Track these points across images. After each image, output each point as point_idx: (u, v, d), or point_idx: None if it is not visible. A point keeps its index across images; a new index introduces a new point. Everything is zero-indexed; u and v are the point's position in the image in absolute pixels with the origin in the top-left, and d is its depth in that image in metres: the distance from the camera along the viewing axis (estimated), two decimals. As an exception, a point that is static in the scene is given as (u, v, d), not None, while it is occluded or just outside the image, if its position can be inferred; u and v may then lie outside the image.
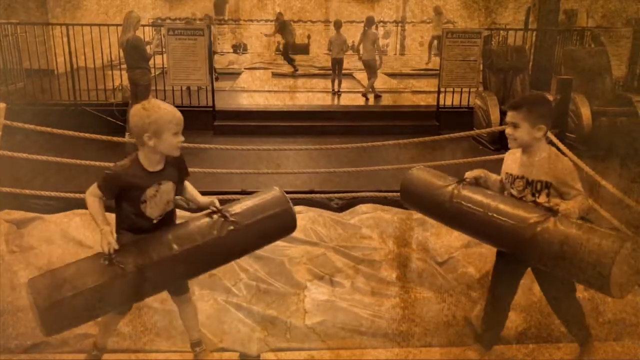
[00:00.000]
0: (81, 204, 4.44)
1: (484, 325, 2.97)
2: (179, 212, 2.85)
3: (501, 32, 11.43)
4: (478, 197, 2.68)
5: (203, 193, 2.77)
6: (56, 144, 5.79)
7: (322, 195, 5.11)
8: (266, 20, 19.30)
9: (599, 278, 2.24)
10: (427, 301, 3.45)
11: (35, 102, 8.47)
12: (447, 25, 14.29)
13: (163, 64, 8.84)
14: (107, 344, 2.82)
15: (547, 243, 2.37)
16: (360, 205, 4.89)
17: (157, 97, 8.16)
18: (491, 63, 8.55)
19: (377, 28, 11.35)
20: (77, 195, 4.57)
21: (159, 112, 2.42)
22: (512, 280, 2.81)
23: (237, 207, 2.66)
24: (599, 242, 2.26)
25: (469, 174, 2.82)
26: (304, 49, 19.24)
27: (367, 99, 10.18)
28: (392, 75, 13.77)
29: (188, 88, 9.14)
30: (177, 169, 2.60)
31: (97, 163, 4.47)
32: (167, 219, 2.60)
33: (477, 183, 2.81)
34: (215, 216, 2.57)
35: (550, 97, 7.28)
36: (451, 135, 5.60)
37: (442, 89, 8.85)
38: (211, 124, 8.53)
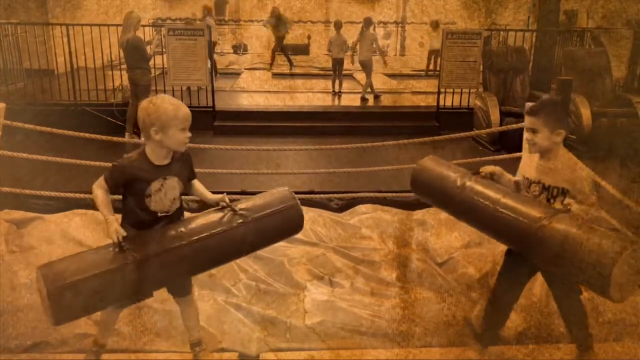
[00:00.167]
0: (81, 204, 4.47)
1: (484, 324, 2.98)
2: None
3: (501, 32, 11.42)
4: (489, 192, 2.68)
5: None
6: (56, 144, 5.79)
7: (322, 196, 5.11)
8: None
9: (599, 279, 2.24)
10: (426, 301, 3.45)
11: (35, 102, 8.47)
12: (448, 27, 14.31)
13: (163, 64, 8.84)
14: (107, 341, 2.82)
15: (550, 241, 2.37)
16: (360, 205, 4.89)
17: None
18: (491, 64, 8.55)
19: (375, 29, 11.33)
20: (77, 195, 4.58)
21: (167, 107, 2.45)
22: (518, 281, 2.82)
23: (245, 203, 2.72)
24: (601, 243, 2.26)
25: (484, 169, 2.83)
26: (304, 50, 19.24)
27: (366, 100, 10.18)
28: (392, 75, 13.78)
29: (188, 88, 9.15)
30: (184, 166, 2.62)
31: (97, 163, 4.47)
32: (173, 218, 2.60)
33: (491, 179, 2.81)
34: (225, 211, 2.62)
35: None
36: (451, 135, 5.60)
37: (442, 90, 8.86)
38: (211, 124, 8.53)
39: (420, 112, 9.50)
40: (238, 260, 3.67)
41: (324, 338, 3.12)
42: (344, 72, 10.93)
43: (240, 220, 2.60)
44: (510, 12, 13.96)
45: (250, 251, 2.92)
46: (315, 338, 3.12)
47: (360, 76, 11.34)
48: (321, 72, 14.05)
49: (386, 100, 10.54)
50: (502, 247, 3.57)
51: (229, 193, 4.89)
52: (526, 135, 2.69)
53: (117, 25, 8.07)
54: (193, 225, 2.56)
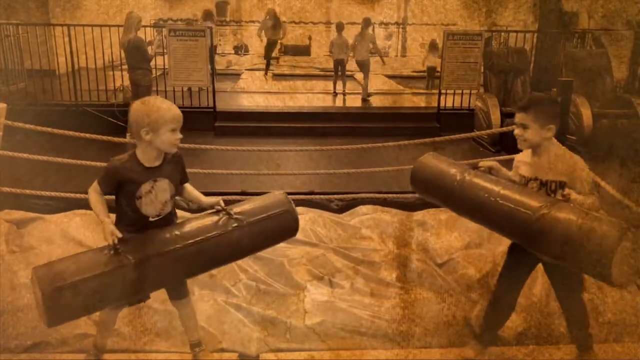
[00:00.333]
0: (81, 204, 4.46)
1: (484, 324, 2.98)
2: (179, 212, 2.85)
3: (502, 33, 11.41)
4: (488, 184, 2.69)
5: (203, 194, 2.78)
6: (57, 144, 5.79)
7: (322, 197, 5.11)
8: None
9: (600, 264, 2.25)
10: (426, 302, 3.45)
11: (36, 103, 8.48)
12: (449, 28, 14.32)
13: (164, 65, 8.85)
14: (106, 343, 2.83)
15: (551, 231, 2.38)
16: (361, 206, 4.89)
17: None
18: (492, 65, 8.55)
19: (374, 29, 11.31)
20: (77, 195, 4.57)
21: (157, 108, 2.46)
22: (518, 281, 2.83)
23: (241, 207, 2.72)
24: (601, 228, 2.28)
25: (483, 164, 2.84)
26: (305, 51, 19.25)
27: (367, 101, 10.18)
28: (393, 76, 13.79)
29: (189, 89, 9.16)
30: (176, 169, 2.61)
31: (98, 163, 4.47)
32: (165, 221, 2.60)
33: (489, 173, 2.82)
34: (219, 214, 2.62)
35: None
36: (452, 136, 5.60)
37: (443, 91, 8.86)
38: (212, 125, 8.53)
39: (420, 113, 9.51)
40: (238, 261, 3.68)
41: (324, 338, 3.12)
42: (347, 72, 10.92)
43: (236, 224, 2.60)
44: (511, 12, 13.95)
45: (246, 255, 2.93)
46: (315, 338, 3.12)
47: (360, 77, 11.31)
48: (322, 73, 14.06)
49: (387, 101, 10.54)
50: (502, 248, 3.59)
51: (229, 194, 4.92)
52: (516, 131, 2.70)
53: (119, 25, 8.07)
54: (188, 228, 2.57)
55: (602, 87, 8.26)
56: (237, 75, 13.43)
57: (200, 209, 2.75)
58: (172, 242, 2.48)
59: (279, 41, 13.79)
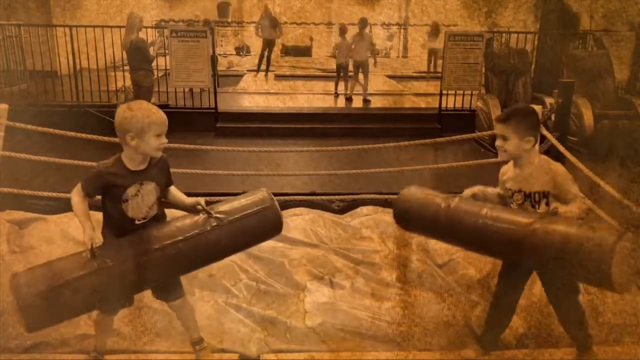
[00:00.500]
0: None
1: (485, 327, 2.98)
2: (177, 212, 2.85)
3: (503, 34, 11.41)
4: (474, 208, 2.70)
5: (204, 195, 2.78)
6: (58, 145, 5.79)
7: (323, 197, 5.12)
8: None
9: (599, 272, 2.24)
10: (427, 302, 3.45)
11: (38, 103, 8.49)
12: (450, 29, 14.30)
13: (166, 66, 8.87)
14: (106, 345, 2.83)
15: (546, 244, 2.38)
16: (362, 207, 4.89)
17: (159, 99, 8.21)
18: (493, 66, 8.55)
19: (371, 29, 11.27)
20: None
21: (143, 113, 2.45)
22: (518, 282, 2.83)
23: (221, 206, 2.70)
24: (599, 236, 2.28)
25: (466, 192, 2.84)
26: (306, 51, 19.26)
27: (368, 102, 10.17)
28: (394, 77, 13.79)
29: (190, 90, 9.17)
30: (161, 172, 2.62)
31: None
32: (151, 224, 2.60)
33: (475, 199, 2.83)
34: (200, 214, 2.61)
35: (553, 101, 7.30)
36: (452, 137, 5.60)
37: (444, 92, 8.85)
38: (213, 126, 8.54)
39: (422, 114, 9.51)
40: (238, 261, 3.69)
41: (324, 339, 3.12)
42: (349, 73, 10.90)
43: (215, 224, 2.58)
44: (511, 12, 13.94)
45: (229, 254, 2.88)
46: (316, 339, 3.12)
47: (360, 77, 11.27)
48: (323, 73, 14.06)
49: (388, 102, 10.54)
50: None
51: (230, 195, 4.92)
52: (497, 142, 2.71)
53: (120, 26, 8.09)
54: (166, 229, 2.56)
55: (603, 88, 8.25)
56: (238, 76, 13.43)
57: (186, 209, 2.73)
58: (149, 243, 2.47)
59: (276, 41, 13.65)
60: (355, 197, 5.15)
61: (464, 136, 5.78)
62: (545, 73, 9.61)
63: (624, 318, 3.19)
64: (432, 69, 13.22)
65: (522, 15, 13.20)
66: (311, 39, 20.12)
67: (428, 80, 13.06)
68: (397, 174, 5.51)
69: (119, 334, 3.01)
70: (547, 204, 2.63)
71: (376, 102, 10.36)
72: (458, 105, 8.93)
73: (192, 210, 2.66)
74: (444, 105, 8.93)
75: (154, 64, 7.84)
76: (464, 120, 8.51)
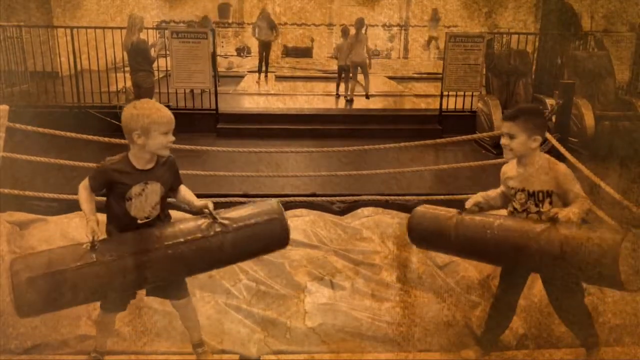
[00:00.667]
0: (83, 206, 4.47)
1: (485, 327, 2.98)
2: (179, 214, 2.86)
3: (504, 35, 11.40)
4: (480, 221, 2.71)
5: (204, 196, 2.78)
6: (59, 146, 5.80)
7: (324, 199, 5.12)
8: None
9: (608, 272, 2.26)
10: (427, 303, 3.45)
11: (39, 104, 8.49)
12: (451, 30, 14.32)
13: (167, 67, 8.88)
14: (106, 345, 2.83)
15: (552, 249, 2.40)
16: (362, 208, 4.89)
17: (160, 100, 8.21)
18: (494, 67, 8.55)
19: (367, 30, 11.24)
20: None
21: (149, 111, 2.47)
22: (518, 282, 2.83)
23: (229, 212, 2.67)
24: (603, 237, 2.30)
25: (468, 204, 2.84)
26: (307, 52, 19.25)
27: (368, 97, 10.15)
28: (395, 78, 13.78)
29: (191, 91, 9.17)
30: (168, 172, 2.62)
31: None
32: (154, 224, 2.60)
33: (480, 209, 2.83)
34: (206, 218, 2.59)
35: (553, 102, 7.29)
36: (453, 138, 5.60)
37: (445, 93, 8.85)
38: (214, 127, 8.54)
39: (422, 115, 9.49)
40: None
41: (324, 339, 3.12)
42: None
43: (219, 229, 2.55)
44: (511, 13, 13.95)
45: (231, 262, 2.85)
46: (316, 339, 3.12)
47: (360, 77, 11.27)
48: (324, 75, 14.06)
49: (389, 103, 10.54)
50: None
51: (230, 195, 4.92)
52: (503, 140, 2.72)
53: (122, 27, 8.09)
54: (169, 230, 2.55)
55: (603, 89, 8.25)
56: (239, 77, 13.42)
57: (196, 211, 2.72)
58: (151, 242, 2.47)
59: (272, 42, 13.53)
60: (355, 198, 5.16)
61: (465, 137, 5.78)
62: (546, 74, 9.61)
63: (624, 318, 3.19)
64: (431, 57, 13.17)
65: (523, 15, 13.21)
66: (312, 40, 20.11)
67: (429, 81, 13.05)
68: (398, 175, 5.51)
69: (118, 334, 3.01)
70: (551, 203, 2.64)
71: (377, 103, 10.35)
72: (459, 106, 8.92)
73: (200, 212, 2.65)
74: (444, 106, 8.92)
75: (154, 65, 7.84)
76: (465, 121, 8.50)
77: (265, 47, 12.89)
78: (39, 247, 3.87)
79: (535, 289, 3.31)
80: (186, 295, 2.75)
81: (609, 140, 7.03)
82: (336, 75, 10.88)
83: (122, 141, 5.21)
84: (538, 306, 3.24)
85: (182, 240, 2.50)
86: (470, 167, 5.71)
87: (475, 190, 2.93)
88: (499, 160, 5.33)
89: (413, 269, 3.83)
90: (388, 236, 4.32)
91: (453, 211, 2.89)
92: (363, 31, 10.37)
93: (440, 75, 9.00)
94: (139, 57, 7.49)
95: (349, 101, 10.30)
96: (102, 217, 2.55)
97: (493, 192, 2.88)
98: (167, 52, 8.49)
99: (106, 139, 4.87)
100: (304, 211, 4.74)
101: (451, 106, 8.91)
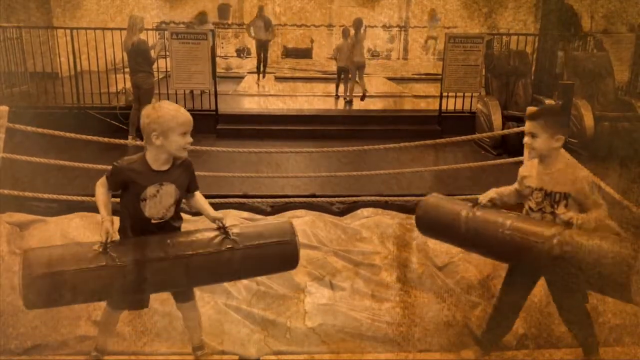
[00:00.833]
0: (83, 206, 4.48)
1: (486, 327, 2.98)
2: (186, 216, 2.85)
3: (503, 36, 11.41)
4: (492, 218, 2.70)
5: (205, 196, 2.78)
6: (59, 147, 5.81)
7: (323, 199, 5.12)
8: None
9: (618, 285, 2.26)
10: (427, 304, 3.45)
11: (38, 105, 8.50)
12: (451, 31, 14.33)
13: (166, 68, 8.88)
14: (107, 345, 2.83)
15: (560, 257, 2.40)
16: (362, 209, 4.90)
17: (160, 101, 8.21)
18: (493, 67, 8.55)
19: (365, 30, 11.20)
20: (78, 197, 4.59)
21: (168, 112, 2.49)
22: (524, 287, 2.82)
23: (242, 229, 2.69)
24: (614, 249, 2.29)
25: (482, 198, 2.83)
26: (307, 53, 19.25)
27: (363, 99, 10.18)
28: (394, 79, 13.79)
29: (191, 92, 9.17)
30: (184, 175, 2.62)
31: (99, 166, 4.48)
32: (168, 226, 2.61)
33: (493, 205, 2.82)
34: (218, 232, 2.60)
35: (553, 102, 7.29)
36: (453, 139, 5.60)
37: (444, 94, 8.85)
38: (214, 128, 8.55)
39: (422, 116, 9.49)
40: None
41: (324, 339, 3.12)
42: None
43: (230, 245, 2.56)
44: (511, 13, 13.95)
45: (237, 278, 2.87)
46: (316, 339, 3.12)
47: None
48: (324, 75, 14.06)
49: (388, 104, 10.54)
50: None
51: (230, 196, 4.92)
52: (525, 139, 2.71)
53: (122, 28, 8.09)
54: (181, 240, 2.56)
55: (603, 90, 8.25)
56: (239, 78, 13.43)
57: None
58: (162, 251, 2.48)
59: (269, 42, 13.44)
60: (355, 199, 5.16)
61: (464, 137, 5.77)
62: (546, 75, 9.61)
63: (624, 318, 3.19)
64: (429, 54, 13.16)
65: (523, 15, 13.22)
66: (311, 41, 20.12)
67: (428, 82, 13.06)
68: (398, 175, 5.51)
69: (118, 334, 3.01)
70: (566, 206, 2.63)
71: (376, 104, 10.35)
72: (458, 107, 8.92)
73: (212, 223, 2.65)
74: (444, 107, 8.93)
75: (154, 66, 7.84)
76: (464, 122, 8.50)
77: (262, 47, 12.84)
78: (39, 248, 3.87)
79: (535, 289, 3.31)
80: (193, 298, 2.77)
81: (608, 141, 7.03)
82: (335, 76, 10.88)
83: (122, 141, 5.26)
84: (538, 306, 3.24)
85: (191, 252, 2.50)
86: (469, 167, 5.71)
87: (475, 191, 2.94)
88: (498, 161, 5.34)
89: (413, 269, 3.84)
90: (388, 237, 4.32)
91: (464, 204, 2.88)
92: (362, 31, 10.37)
93: (440, 76, 9.01)
94: (139, 58, 7.49)
95: (349, 102, 10.29)
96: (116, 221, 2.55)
97: (506, 190, 2.88)
98: (167, 53, 8.49)
99: (106, 140, 4.87)
100: (303, 212, 4.74)
101: (451, 107, 8.92)
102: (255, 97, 11.09)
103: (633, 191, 4.33)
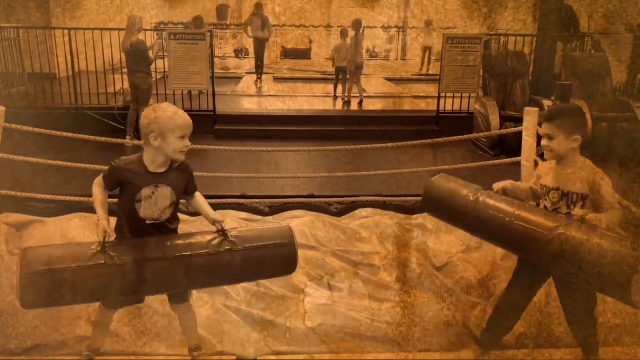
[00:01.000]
0: (82, 207, 4.47)
1: (486, 327, 2.98)
2: (183, 217, 2.85)
3: (501, 37, 11.42)
4: (503, 205, 2.68)
5: (205, 197, 2.77)
6: (57, 147, 5.80)
7: (322, 200, 5.12)
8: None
9: (618, 286, 2.25)
10: (426, 304, 3.45)
11: (37, 106, 8.48)
12: (449, 31, 14.35)
13: (164, 68, 8.87)
14: (102, 344, 2.83)
15: (561, 253, 2.39)
16: (360, 209, 4.89)
17: (158, 102, 8.20)
18: (491, 68, 8.56)
19: (364, 31, 11.18)
20: (77, 198, 4.58)
21: (167, 115, 2.48)
22: (531, 289, 2.82)
23: (241, 231, 2.70)
24: (619, 251, 2.27)
25: (497, 186, 2.81)
26: (306, 54, 19.24)
27: (361, 103, 10.19)
28: (392, 80, 13.80)
29: (189, 92, 9.16)
30: (181, 177, 2.61)
31: (97, 166, 4.47)
32: (163, 227, 2.60)
33: (504, 194, 2.80)
34: (216, 234, 2.60)
35: (550, 103, 7.31)
36: (450, 138, 5.60)
37: (442, 94, 8.86)
38: (212, 128, 8.54)
39: (420, 117, 9.49)
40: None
41: (324, 339, 3.12)
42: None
43: (228, 247, 2.56)
44: (510, 13, 13.96)
45: (236, 281, 2.86)
46: (316, 339, 3.12)
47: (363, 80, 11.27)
48: (322, 76, 14.06)
49: (387, 105, 10.55)
50: (501, 250, 3.59)
51: (229, 197, 4.92)
52: (543, 141, 2.69)
53: (120, 29, 8.08)
54: (180, 241, 2.56)
55: (601, 90, 8.26)
56: (237, 79, 13.42)
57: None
58: (159, 252, 2.48)
59: (266, 41, 13.31)
60: (353, 199, 5.16)
61: (462, 137, 5.78)
62: (544, 75, 9.62)
63: (624, 318, 3.19)
64: (426, 71, 13.20)
65: (522, 15, 13.23)
66: (310, 42, 20.11)
67: (427, 83, 13.07)
68: (396, 176, 5.52)
69: (117, 335, 3.01)
70: (583, 207, 2.61)
71: (375, 105, 10.35)
72: (456, 107, 8.93)
73: (212, 225, 2.65)
74: (442, 107, 8.93)
75: (152, 66, 7.84)
76: (462, 122, 8.50)
77: (259, 46, 12.69)
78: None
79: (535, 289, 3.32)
80: (187, 300, 2.76)
81: (607, 142, 7.04)
82: (334, 77, 10.87)
83: (120, 141, 5.26)
84: (538, 306, 3.24)
85: (189, 253, 2.50)
86: (467, 167, 5.71)
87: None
88: (496, 162, 5.35)
89: (412, 270, 3.84)
90: (387, 237, 4.33)
91: (473, 187, 2.87)
92: (361, 32, 10.37)
93: (438, 77, 9.01)
94: (137, 58, 7.48)
95: (347, 102, 10.29)
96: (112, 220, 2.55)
97: (522, 185, 2.87)
98: (165, 54, 8.48)
99: (104, 140, 4.87)
100: (302, 212, 4.74)
101: (449, 108, 8.92)
102: (254, 97, 11.08)
103: (633, 191, 4.34)
